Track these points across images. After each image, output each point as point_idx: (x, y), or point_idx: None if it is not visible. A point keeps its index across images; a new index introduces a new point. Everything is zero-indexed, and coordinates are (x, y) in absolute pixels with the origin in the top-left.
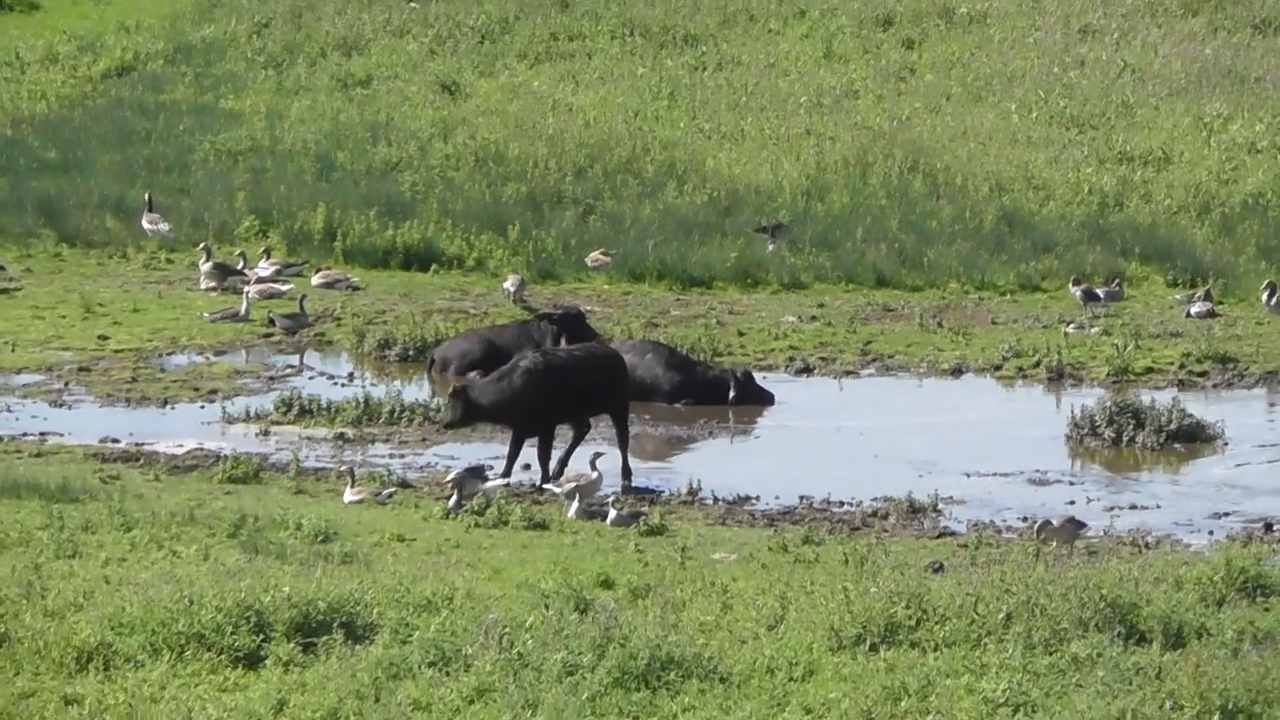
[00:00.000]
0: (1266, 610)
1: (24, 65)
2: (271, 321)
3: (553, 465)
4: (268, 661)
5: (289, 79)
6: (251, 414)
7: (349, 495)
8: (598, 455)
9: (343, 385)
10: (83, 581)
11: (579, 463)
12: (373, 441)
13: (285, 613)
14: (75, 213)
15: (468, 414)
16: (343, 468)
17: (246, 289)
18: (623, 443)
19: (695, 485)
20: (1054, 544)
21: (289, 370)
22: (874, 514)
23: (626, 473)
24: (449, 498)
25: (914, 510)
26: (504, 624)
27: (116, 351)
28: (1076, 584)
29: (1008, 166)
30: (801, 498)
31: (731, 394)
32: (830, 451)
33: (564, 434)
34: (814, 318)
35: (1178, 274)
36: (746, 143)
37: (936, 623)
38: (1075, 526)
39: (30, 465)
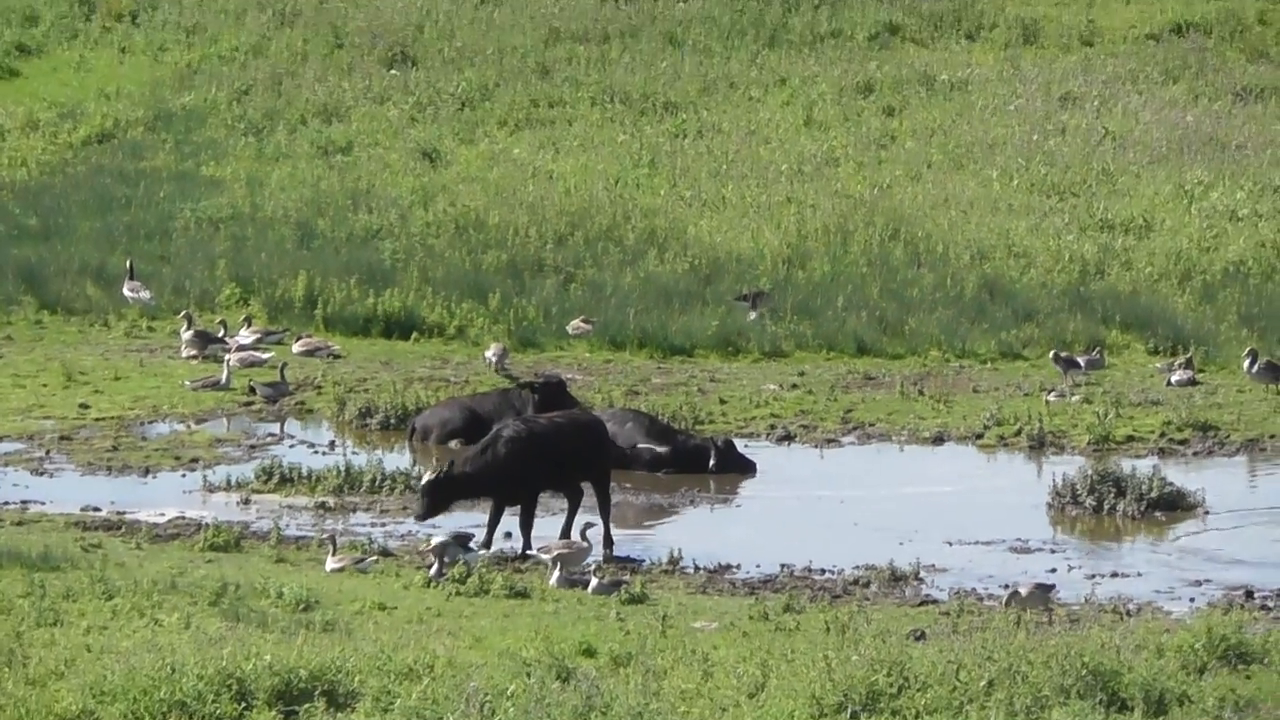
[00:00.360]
0: (1248, 678)
1: (4, 132)
2: (253, 390)
3: (555, 535)
4: None
5: (269, 146)
6: (233, 482)
7: (330, 563)
8: (588, 525)
9: (324, 453)
10: (64, 649)
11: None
12: (354, 510)
13: (267, 681)
14: (56, 280)
15: (437, 504)
16: (324, 536)
17: (227, 357)
18: (604, 511)
19: (676, 554)
20: (1029, 611)
21: (270, 438)
22: (855, 582)
23: (608, 541)
24: (430, 566)
25: (895, 578)
26: (485, 692)
27: (98, 420)
28: (1058, 651)
29: (989, 234)
30: (783, 566)
31: (712, 462)
32: (811, 519)
33: (548, 504)
34: (795, 386)
35: (1159, 342)
36: (727, 210)
37: (918, 690)
38: (1044, 591)
39: (11, 534)
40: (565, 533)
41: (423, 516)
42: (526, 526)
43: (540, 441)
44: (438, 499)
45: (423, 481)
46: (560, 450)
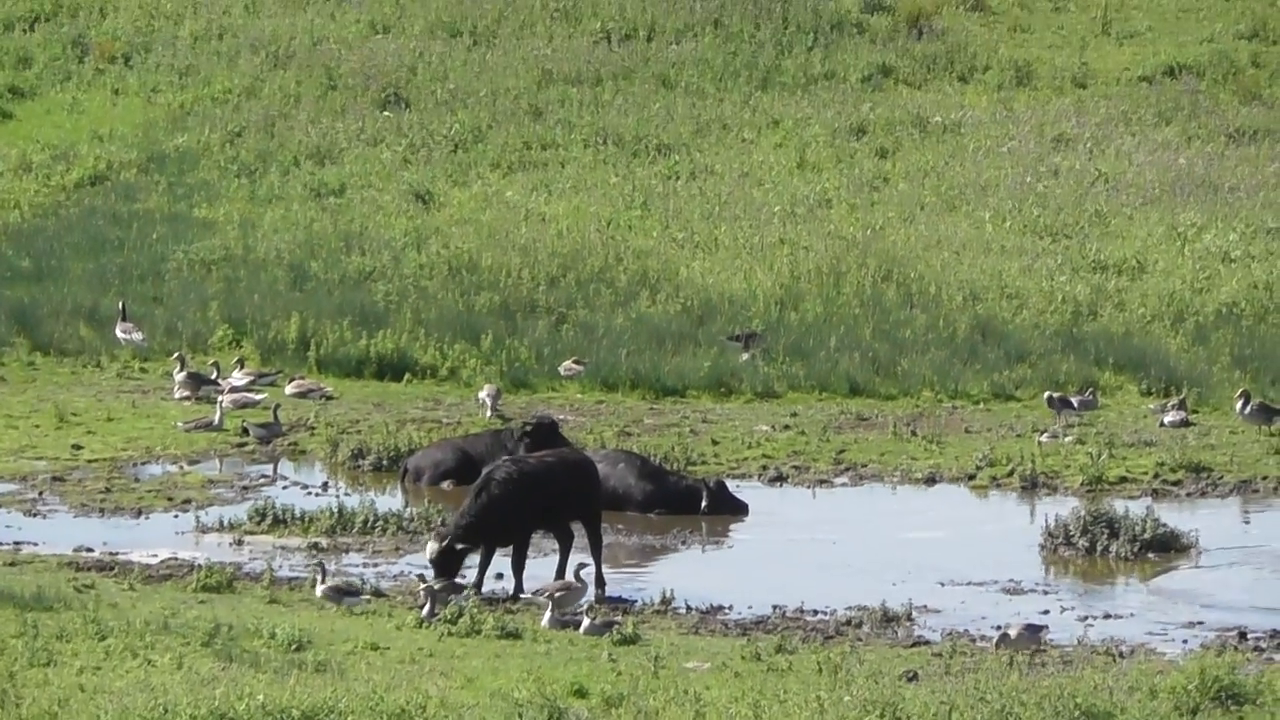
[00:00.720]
0: (1240, 719)
1: None
2: (245, 431)
3: (549, 577)
4: None
5: (262, 188)
6: (225, 523)
7: (320, 588)
8: (582, 566)
9: (316, 495)
10: (57, 690)
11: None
12: (346, 551)
13: None
14: (49, 321)
15: (451, 567)
16: (314, 562)
17: (220, 398)
18: (596, 551)
19: (669, 594)
20: (1019, 653)
21: (263, 480)
22: (848, 623)
23: (599, 582)
24: (422, 606)
25: (888, 619)
26: None
27: (90, 461)
28: (1051, 693)
29: (981, 275)
30: (775, 606)
31: (704, 504)
32: (803, 560)
33: (541, 545)
34: (787, 427)
35: (1152, 383)
36: (720, 252)
37: None
38: (1033, 632)
39: (4, 574)
40: (560, 574)
41: (441, 577)
42: (518, 568)
43: (532, 481)
44: (451, 563)
45: (430, 556)
46: (551, 490)
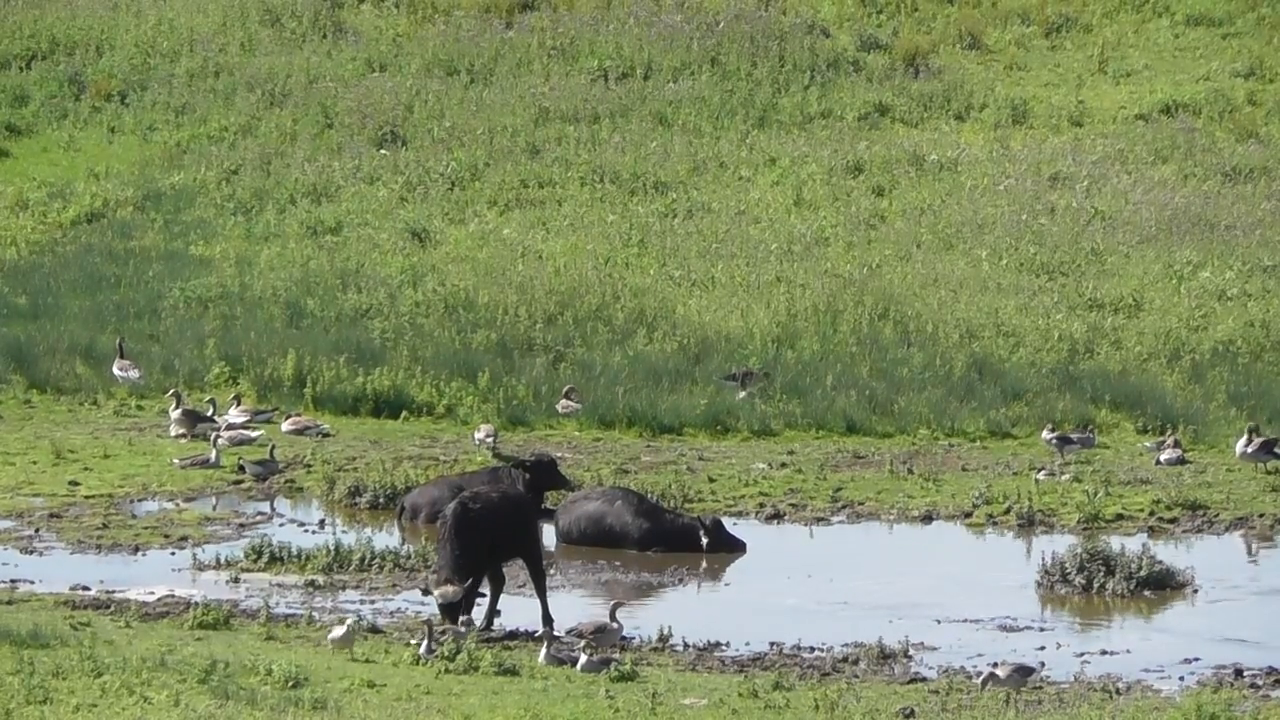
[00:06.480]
0: None
1: None
2: (242, 468)
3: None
4: None
5: (258, 225)
6: (222, 561)
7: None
8: (617, 606)
9: (313, 532)
10: None
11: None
12: (343, 588)
13: None
14: (45, 359)
15: (457, 611)
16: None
17: (216, 436)
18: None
19: (666, 631)
20: (1014, 691)
21: (259, 517)
22: (844, 660)
23: (546, 619)
24: (419, 643)
25: (885, 656)
26: None
27: (87, 498)
28: None
29: (978, 314)
30: (772, 643)
31: (705, 542)
32: (800, 598)
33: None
34: (784, 465)
35: (1148, 421)
36: (717, 290)
37: None
38: (1023, 674)
39: (1, 612)
40: (545, 613)
41: (455, 623)
42: (469, 605)
43: (476, 517)
44: (462, 606)
45: (450, 599)
46: (497, 526)
